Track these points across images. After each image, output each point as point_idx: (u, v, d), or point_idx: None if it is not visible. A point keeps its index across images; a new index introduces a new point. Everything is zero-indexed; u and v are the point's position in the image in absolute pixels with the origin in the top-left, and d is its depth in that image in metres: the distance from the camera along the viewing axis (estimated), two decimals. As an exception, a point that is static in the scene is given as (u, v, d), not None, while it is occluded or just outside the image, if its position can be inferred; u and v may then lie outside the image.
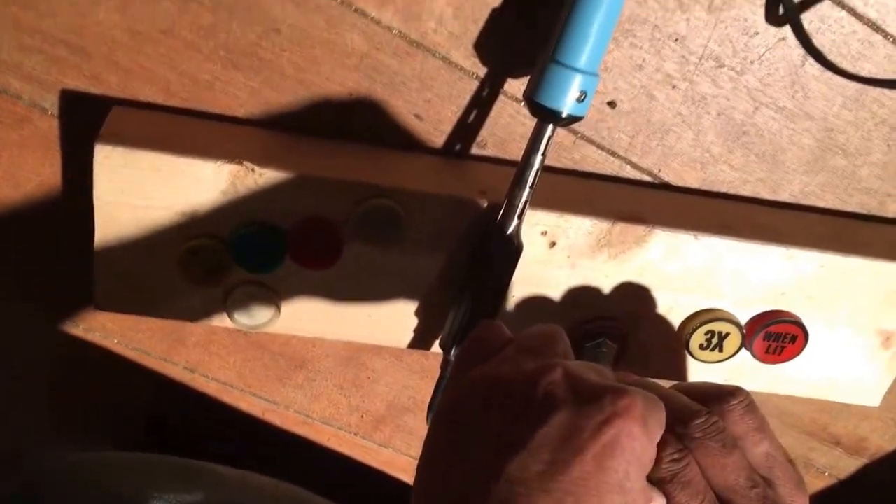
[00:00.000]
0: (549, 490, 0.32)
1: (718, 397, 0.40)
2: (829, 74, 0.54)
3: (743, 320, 0.57)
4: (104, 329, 0.62)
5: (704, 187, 0.58)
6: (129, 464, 0.57)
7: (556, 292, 0.56)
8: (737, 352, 0.58)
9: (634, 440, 0.33)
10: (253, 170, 0.50)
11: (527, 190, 0.50)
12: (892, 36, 0.53)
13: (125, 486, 0.54)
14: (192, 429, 0.66)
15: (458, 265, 0.54)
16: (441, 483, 0.35)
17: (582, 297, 0.56)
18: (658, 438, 0.36)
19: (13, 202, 0.56)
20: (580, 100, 0.48)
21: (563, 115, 0.48)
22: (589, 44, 0.47)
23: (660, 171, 0.57)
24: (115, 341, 0.62)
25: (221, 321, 0.55)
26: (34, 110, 0.53)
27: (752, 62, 0.53)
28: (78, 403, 0.67)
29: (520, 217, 0.51)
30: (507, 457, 0.33)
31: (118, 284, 0.53)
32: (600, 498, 0.32)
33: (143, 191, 0.50)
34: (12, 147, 0.54)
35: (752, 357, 0.58)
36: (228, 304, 0.54)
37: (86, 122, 0.52)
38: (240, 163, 0.50)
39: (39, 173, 0.55)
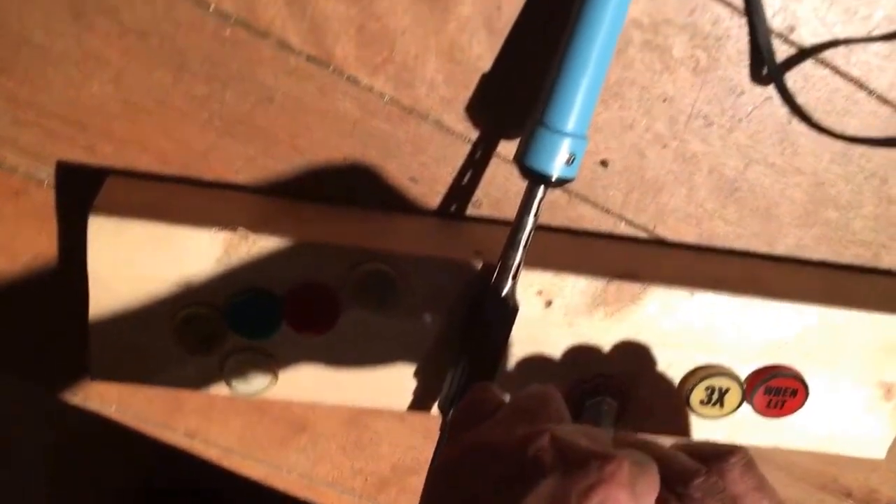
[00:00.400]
0: None
1: (717, 456, 0.39)
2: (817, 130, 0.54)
3: (743, 375, 0.57)
4: (102, 398, 0.62)
5: (700, 242, 0.58)
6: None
7: (554, 351, 0.56)
8: (738, 407, 0.57)
9: None
10: (247, 237, 0.50)
11: (520, 251, 0.50)
12: (875, 92, 0.53)
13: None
14: (194, 495, 0.65)
15: (455, 327, 0.54)
16: None
17: (580, 355, 0.56)
18: (649, 502, 0.36)
19: (9, 274, 0.56)
20: (569, 162, 0.48)
21: (553, 178, 0.48)
22: (576, 107, 0.48)
23: (655, 227, 0.57)
24: (114, 409, 0.62)
25: (219, 389, 0.55)
26: (30, 182, 0.53)
27: (740, 120, 0.54)
28: (78, 472, 0.66)
29: (514, 278, 0.51)
30: None
31: (114, 354, 0.53)
32: None
33: (137, 260, 0.51)
34: (9, 219, 0.54)
35: (753, 412, 0.58)
36: (225, 371, 0.54)
37: (82, 192, 0.52)
38: (234, 230, 0.50)
39: (36, 244, 0.55)
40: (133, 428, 0.62)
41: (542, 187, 0.49)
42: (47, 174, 0.53)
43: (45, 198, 0.54)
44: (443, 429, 0.55)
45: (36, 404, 0.62)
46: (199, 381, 0.55)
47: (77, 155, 0.53)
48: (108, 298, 0.52)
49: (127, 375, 0.55)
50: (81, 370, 0.56)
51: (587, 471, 0.33)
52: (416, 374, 0.56)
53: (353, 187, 0.54)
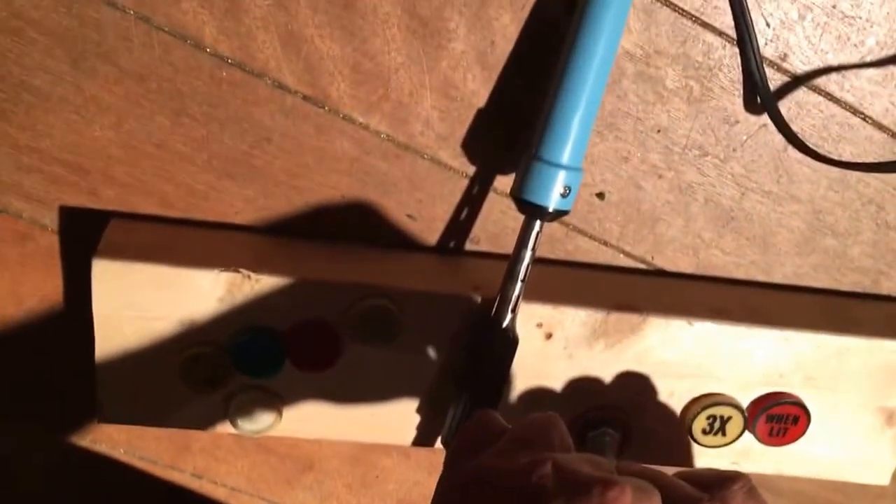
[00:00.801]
0: None
1: (720, 483, 0.39)
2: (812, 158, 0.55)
3: (744, 403, 0.57)
4: (110, 440, 0.62)
5: (698, 272, 0.59)
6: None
7: (555, 384, 0.56)
8: (740, 435, 0.57)
9: None
10: (249, 276, 0.51)
11: (518, 284, 0.51)
12: (870, 118, 0.54)
13: None
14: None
15: (456, 361, 0.54)
16: None
17: (581, 387, 0.56)
18: None
19: (16, 320, 0.57)
20: (565, 195, 0.49)
21: (549, 211, 0.49)
22: (570, 139, 0.48)
23: (653, 258, 0.58)
24: (122, 451, 0.62)
25: (225, 428, 0.55)
26: (34, 227, 0.54)
27: (734, 149, 0.54)
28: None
29: (514, 311, 0.51)
30: None
31: (120, 396, 0.54)
32: None
33: (141, 302, 0.51)
34: (14, 265, 0.55)
35: (755, 440, 0.58)
36: (230, 410, 0.55)
37: (86, 236, 0.53)
38: (236, 270, 0.51)
39: (41, 289, 0.56)
40: (141, 469, 0.62)
41: (538, 220, 0.50)
42: (51, 219, 0.54)
43: (50, 242, 0.54)
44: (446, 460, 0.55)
45: (46, 446, 0.62)
46: (206, 420, 0.55)
47: (80, 200, 0.53)
48: (113, 340, 0.52)
49: (134, 417, 0.55)
50: (89, 413, 0.57)
51: (590, 496, 0.34)
52: (419, 409, 0.56)
53: (351, 225, 0.55)
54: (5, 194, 0.53)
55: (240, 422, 0.55)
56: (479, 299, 0.53)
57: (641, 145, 0.54)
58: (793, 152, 0.55)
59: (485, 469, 0.37)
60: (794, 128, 0.54)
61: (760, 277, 0.59)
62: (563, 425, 0.40)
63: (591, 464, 0.37)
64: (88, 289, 0.51)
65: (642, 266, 0.58)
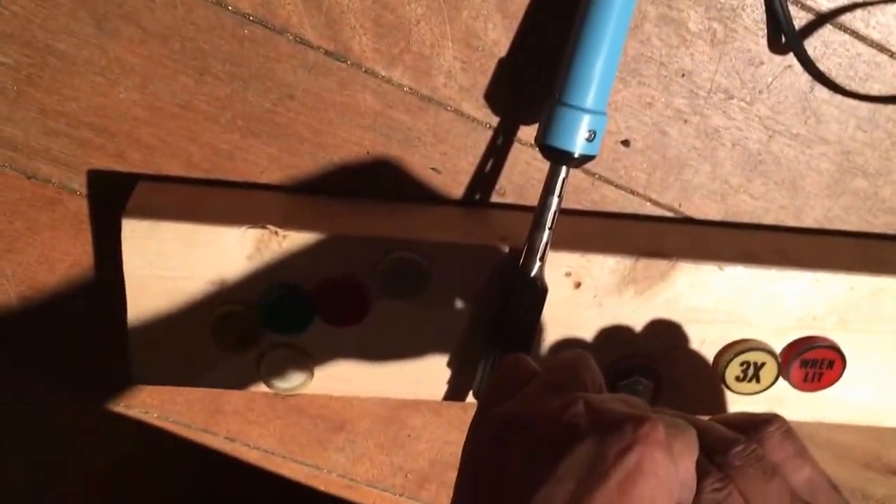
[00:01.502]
0: None
1: (755, 425, 0.39)
2: (839, 98, 0.54)
3: (777, 349, 0.57)
4: (143, 404, 0.62)
5: (727, 219, 0.58)
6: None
7: (585, 333, 0.56)
8: (774, 382, 0.57)
9: (658, 465, 0.33)
10: (276, 233, 0.51)
11: (546, 232, 0.50)
12: (897, 53, 0.53)
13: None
14: (236, 498, 0.66)
15: (485, 312, 0.54)
16: None
17: (612, 336, 0.56)
18: (687, 463, 0.36)
19: (48, 285, 0.57)
20: (590, 139, 0.49)
21: (575, 156, 0.49)
22: (594, 82, 0.48)
23: (680, 205, 0.57)
24: (155, 415, 0.63)
25: (256, 386, 0.56)
26: (63, 192, 0.54)
27: (760, 91, 0.54)
28: (119, 480, 0.67)
29: (542, 259, 0.51)
30: (533, 491, 0.33)
31: (153, 356, 0.54)
32: None
33: (171, 262, 0.52)
34: (44, 230, 0.55)
35: (790, 386, 0.57)
36: (262, 368, 0.55)
37: (114, 199, 0.53)
38: (263, 227, 0.51)
39: (72, 253, 0.56)
40: (175, 433, 0.63)
41: (564, 167, 0.50)
42: (79, 183, 0.54)
43: (79, 206, 0.55)
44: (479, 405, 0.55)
45: (80, 412, 0.63)
46: (238, 380, 0.56)
47: (107, 163, 0.54)
48: (144, 301, 0.53)
49: (167, 377, 0.56)
50: (122, 377, 0.57)
51: (623, 432, 0.33)
52: (450, 362, 0.56)
53: (376, 180, 0.55)
54: (34, 159, 0.53)
55: (271, 380, 0.55)
56: (506, 249, 0.53)
57: (665, 90, 0.54)
58: (819, 92, 0.54)
59: (516, 413, 0.37)
60: (821, 67, 0.53)
61: (790, 222, 0.58)
62: (593, 363, 0.40)
63: (623, 402, 0.36)
64: (118, 252, 0.51)
65: (670, 214, 0.58)
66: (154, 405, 0.62)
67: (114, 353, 0.58)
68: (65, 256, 0.56)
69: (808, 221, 0.58)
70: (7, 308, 0.58)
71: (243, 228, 0.51)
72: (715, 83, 0.54)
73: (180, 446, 0.63)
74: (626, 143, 0.55)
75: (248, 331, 0.53)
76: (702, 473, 0.37)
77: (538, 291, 0.52)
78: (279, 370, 0.55)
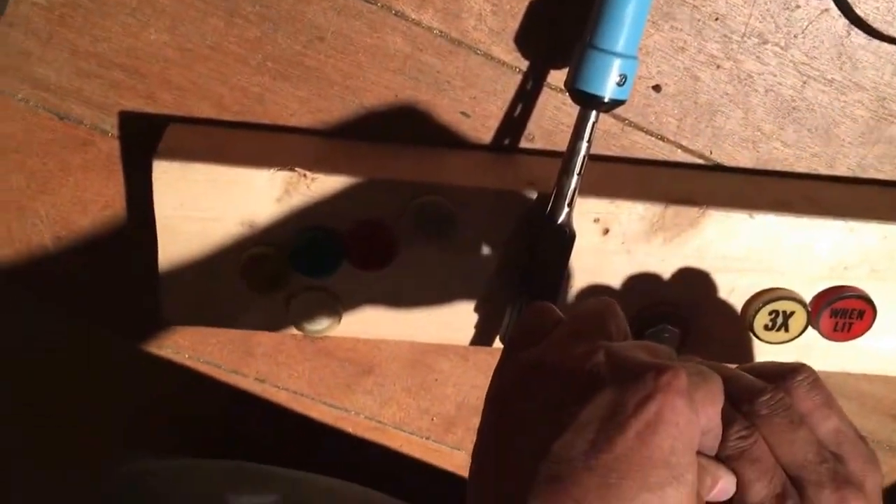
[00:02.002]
0: (593, 467, 0.32)
1: (783, 374, 0.39)
2: (876, 43, 0.53)
3: (807, 298, 0.56)
4: (175, 345, 0.63)
5: (758, 166, 0.57)
6: (204, 470, 0.58)
7: (613, 280, 0.56)
8: (803, 331, 0.57)
9: (678, 414, 0.33)
10: (305, 175, 0.51)
11: (574, 177, 0.50)
12: (938, -4, 0.52)
13: (201, 491, 0.56)
14: (265, 438, 0.67)
15: (513, 258, 0.54)
16: (493, 466, 0.36)
17: (640, 283, 0.56)
18: (710, 412, 0.36)
19: (81, 226, 0.58)
20: (620, 83, 0.48)
21: (605, 100, 0.48)
22: (625, 26, 0.47)
23: (711, 152, 0.57)
24: (187, 356, 0.64)
25: (285, 328, 0.56)
26: (95, 133, 0.55)
27: (795, 36, 0.53)
28: (152, 418, 0.69)
29: (570, 205, 0.51)
30: (554, 437, 0.33)
31: (184, 297, 0.55)
32: (644, 473, 0.32)
33: (201, 203, 0.52)
34: (77, 171, 0.56)
35: (819, 336, 0.57)
36: (291, 310, 0.56)
37: (145, 141, 0.54)
38: (292, 170, 0.51)
39: (104, 194, 0.57)
40: (206, 374, 0.64)
41: (594, 111, 0.49)
42: (111, 125, 0.55)
43: (111, 148, 0.55)
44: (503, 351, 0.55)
45: (112, 351, 0.64)
46: (267, 321, 0.56)
47: (138, 104, 0.54)
48: (175, 242, 0.53)
49: (197, 318, 0.57)
50: (154, 318, 0.58)
51: (644, 381, 0.33)
52: (477, 307, 0.56)
53: (405, 124, 0.55)
54: (66, 100, 0.54)
55: (300, 322, 0.56)
56: (534, 195, 0.53)
57: (698, 34, 0.53)
58: (856, 37, 0.53)
59: (539, 359, 0.37)
60: (858, 12, 0.52)
61: (823, 170, 0.58)
62: (619, 311, 0.40)
63: (647, 350, 0.36)
64: (150, 193, 0.52)
65: (700, 161, 0.57)
66: (185, 346, 0.63)
67: (145, 294, 0.58)
68: (97, 197, 0.57)
69: (842, 170, 0.58)
70: (41, 248, 0.59)
71: (272, 171, 0.51)
72: (749, 27, 0.53)
73: (211, 386, 0.64)
74: (657, 88, 0.55)
75: (278, 273, 0.54)
76: (727, 421, 0.37)
77: (566, 237, 0.52)
78: (307, 312, 0.55)
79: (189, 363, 0.64)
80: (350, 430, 0.67)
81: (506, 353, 0.40)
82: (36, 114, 0.54)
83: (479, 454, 0.37)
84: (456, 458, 0.69)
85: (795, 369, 0.39)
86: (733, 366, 0.41)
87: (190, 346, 0.63)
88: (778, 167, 0.57)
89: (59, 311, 0.63)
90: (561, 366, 0.36)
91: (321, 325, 0.56)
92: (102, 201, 0.57)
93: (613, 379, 0.34)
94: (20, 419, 0.69)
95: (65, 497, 0.57)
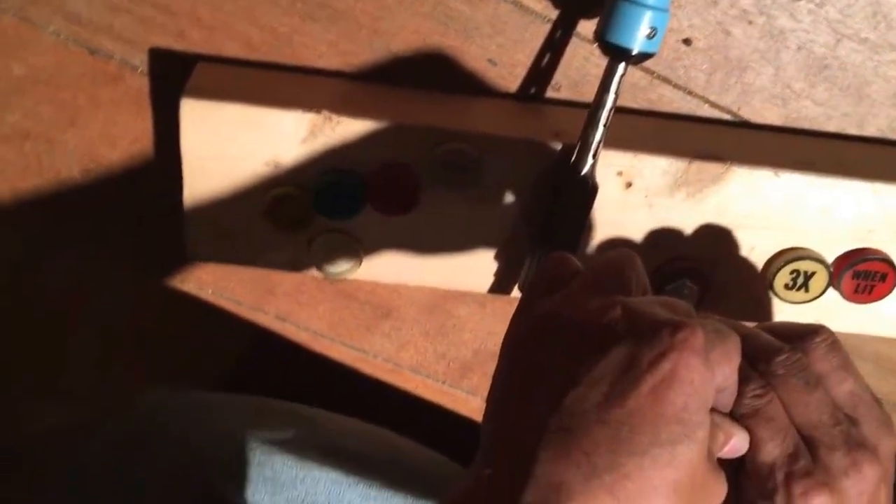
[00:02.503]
0: (605, 421, 0.32)
1: (801, 335, 0.39)
2: (915, 1, 0.52)
3: (830, 259, 0.56)
4: (198, 280, 0.65)
5: (787, 124, 0.57)
6: (222, 404, 0.59)
7: (633, 234, 0.56)
8: (824, 291, 0.56)
9: (693, 372, 0.33)
10: (330, 118, 0.52)
11: (600, 130, 0.50)
12: (980, -44, 0.51)
13: (217, 424, 0.57)
14: (283, 376, 0.68)
15: (535, 208, 0.54)
16: (505, 414, 0.36)
17: (661, 238, 0.56)
18: (726, 370, 0.36)
19: (109, 160, 0.59)
20: (650, 36, 0.48)
21: (634, 53, 0.48)
22: (658, -23, 0.47)
23: (739, 109, 0.56)
24: (210, 292, 0.65)
25: (306, 269, 0.57)
26: (125, 68, 0.55)
27: (831, -8, 0.52)
28: (173, 352, 0.70)
29: (594, 157, 0.51)
30: (567, 390, 0.33)
31: (208, 234, 0.56)
32: (656, 428, 0.32)
33: (228, 142, 0.52)
34: (107, 105, 0.57)
35: (840, 297, 0.57)
36: (312, 251, 0.56)
37: (174, 78, 0.54)
38: (318, 112, 0.52)
39: (132, 130, 0.58)
40: (227, 310, 0.65)
41: (622, 64, 0.49)
42: (141, 61, 0.55)
43: (140, 84, 0.56)
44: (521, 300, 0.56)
45: (136, 285, 0.65)
46: (289, 261, 0.57)
47: (168, 41, 0.54)
48: (200, 180, 0.54)
49: (220, 256, 0.57)
50: (178, 253, 0.59)
51: (660, 337, 0.33)
52: (497, 256, 0.57)
53: (432, 70, 0.55)
54: (97, 35, 0.54)
55: (321, 263, 0.56)
56: (559, 146, 0.53)
57: (732, -12, 0.52)
58: (894, -4, 0.52)
59: (556, 311, 0.37)
60: (898, -31, 0.51)
61: (853, 130, 0.57)
62: (639, 263, 0.40)
63: (665, 306, 0.36)
64: (177, 130, 0.52)
65: (728, 117, 0.57)
66: (208, 282, 0.64)
67: (170, 230, 0.59)
68: (126, 133, 0.58)
69: (871, 130, 0.57)
70: (70, 180, 0.60)
71: (299, 112, 0.52)
72: (785, -18, 0.52)
73: (232, 323, 0.65)
74: (687, 41, 0.54)
75: (301, 214, 0.54)
76: (743, 379, 0.37)
77: (588, 189, 0.52)
78: (329, 254, 0.56)
79: (211, 299, 0.65)
80: (367, 371, 0.68)
81: (523, 302, 0.40)
82: (67, 48, 0.55)
83: (493, 401, 0.38)
84: (471, 403, 0.70)
85: (814, 331, 0.39)
86: (752, 324, 0.41)
87: (212, 283, 0.64)
88: (806, 126, 0.57)
89: (83, 243, 0.64)
90: (578, 318, 0.36)
91: (342, 267, 0.56)
92: (131, 136, 0.58)
93: (630, 334, 0.34)
94: (41, 352, 0.71)
95: (85, 428, 0.59)
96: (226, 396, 0.61)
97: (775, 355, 0.38)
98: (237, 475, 0.54)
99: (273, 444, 0.56)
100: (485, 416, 0.38)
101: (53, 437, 0.67)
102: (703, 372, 0.34)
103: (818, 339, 0.39)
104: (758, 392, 0.37)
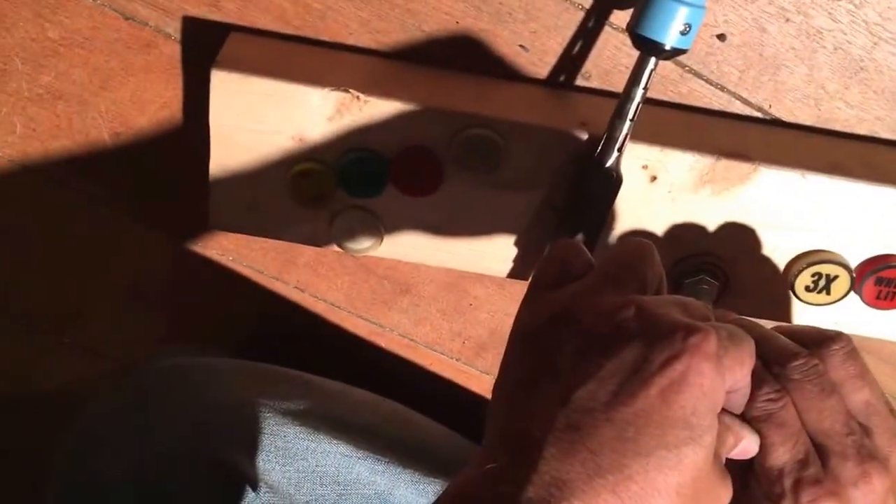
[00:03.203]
0: (612, 419, 0.32)
1: (819, 341, 0.39)
2: (958, 8, 0.51)
3: (853, 263, 0.56)
4: (221, 247, 0.65)
5: (818, 125, 0.56)
6: (234, 370, 0.60)
7: (655, 227, 0.55)
8: (845, 295, 0.56)
9: (703, 377, 0.33)
10: (358, 97, 0.52)
11: (627, 123, 0.50)
12: None
13: (231, 390, 0.58)
14: (299, 345, 0.69)
15: (558, 196, 0.54)
16: (513, 404, 0.36)
17: (682, 233, 0.55)
18: (738, 374, 0.36)
19: (139, 125, 0.59)
20: (684, 32, 0.47)
21: (666, 48, 0.47)
22: (695, -27, 0.46)
23: (770, 106, 0.56)
24: (231, 259, 0.66)
25: (327, 244, 0.58)
26: (159, 36, 0.56)
27: (873, -6, 0.51)
28: (192, 314, 0.71)
29: (620, 150, 0.51)
30: (576, 386, 0.33)
31: (232, 204, 0.56)
32: (663, 430, 0.32)
33: (255, 115, 0.53)
34: (139, 71, 0.57)
35: (861, 301, 0.57)
36: (334, 227, 0.57)
37: (206, 47, 0.54)
38: (346, 91, 0.52)
39: (163, 96, 0.58)
40: (247, 277, 0.66)
41: (653, 58, 0.49)
42: (174, 29, 0.55)
43: (173, 52, 0.56)
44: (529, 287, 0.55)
45: (161, 248, 0.66)
46: (310, 235, 0.58)
47: (202, 10, 0.55)
48: (227, 150, 0.54)
49: (243, 226, 0.58)
50: (202, 220, 0.60)
51: (672, 340, 0.33)
52: (517, 241, 0.57)
53: (463, 52, 0.55)
54: (132, 1, 0.54)
55: (342, 240, 0.57)
56: (585, 136, 0.53)
57: (771, -15, 0.51)
58: (937, 1, 0.51)
59: (569, 306, 0.37)
60: (943, -26, 0.50)
61: (885, 134, 0.56)
62: (656, 256, 0.39)
63: (680, 307, 0.36)
64: (207, 99, 0.52)
65: (758, 115, 0.56)
66: (230, 249, 0.65)
67: (195, 197, 0.60)
68: (156, 99, 0.58)
69: (904, 136, 0.56)
70: (99, 143, 0.60)
71: (327, 90, 0.52)
72: (825, -18, 0.51)
73: (252, 290, 0.66)
74: (721, 37, 0.53)
75: (324, 190, 0.55)
76: (758, 382, 0.37)
77: (612, 181, 0.52)
78: (350, 231, 0.56)
79: (232, 265, 0.66)
80: (383, 345, 0.69)
81: (532, 290, 0.40)
82: (102, 12, 0.55)
83: (500, 391, 0.38)
84: (484, 381, 0.71)
85: (833, 337, 0.39)
86: (771, 324, 0.41)
87: (234, 250, 0.65)
88: (838, 127, 0.56)
89: (110, 203, 0.64)
90: (591, 314, 0.36)
91: (362, 244, 0.57)
92: (160, 102, 0.58)
93: (642, 334, 0.34)
94: (63, 306, 0.72)
95: (103, 388, 0.60)
96: (239, 363, 0.61)
97: (792, 360, 0.38)
98: (248, 443, 0.55)
99: (286, 414, 0.57)
100: (490, 404, 0.38)
101: (70, 391, 0.68)
102: (714, 377, 0.34)
103: (836, 347, 0.39)
104: (771, 396, 0.37)
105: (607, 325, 0.35)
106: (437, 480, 0.59)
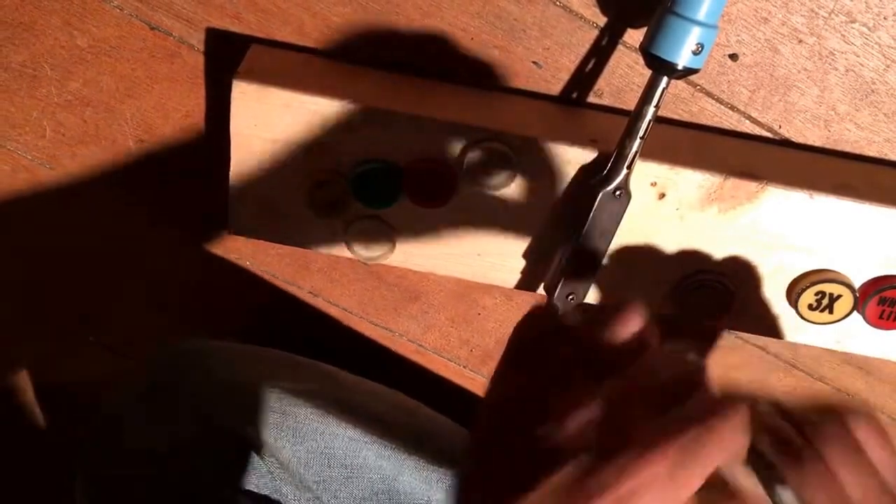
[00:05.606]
0: None
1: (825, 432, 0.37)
2: (968, 34, 0.52)
3: (857, 283, 0.56)
4: (238, 252, 0.67)
5: (827, 146, 0.57)
6: (247, 353, 0.62)
7: (662, 244, 0.56)
8: (848, 315, 0.57)
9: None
10: (375, 110, 0.53)
11: (637, 141, 0.51)
12: None
13: (243, 371, 0.60)
14: (312, 347, 0.70)
15: (566, 211, 0.55)
16: (487, 442, 0.35)
17: (688, 250, 0.56)
18: (700, 479, 0.32)
19: (162, 132, 0.61)
20: (696, 52, 0.48)
21: (678, 68, 0.48)
22: (707, -5, 0.47)
23: (780, 127, 0.56)
24: (248, 263, 0.67)
25: (341, 251, 0.59)
26: (183, 46, 0.57)
27: (885, 18, 0.52)
28: (211, 317, 0.73)
29: (629, 167, 0.52)
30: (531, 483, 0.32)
31: (250, 211, 0.58)
32: None
33: (274, 125, 0.54)
34: (163, 80, 0.59)
35: (863, 321, 0.57)
36: (348, 235, 0.58)
37: (228, 58, 0.56)
38: (362, 103, 0.53)
39: (186, 105, 0.59)
40: (264, 280, 0.67)
41: (665, 77, 0.49)
42: (198, 40, 0.57)
43: (196, 62, 0.58)
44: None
45: (181, 251, 0.68)
46: (325, 242, 0.59)
47: (225, 23, 0.56)
48: (247, 159, 0.56)
49: (261, 232, 0.59)
50: (221, 225, 0.61)
51: (621, 459, 0.31)
52: (526, 253, 0.58)
53: (477, 68, 0.56)
54: (158, 12, 0.56)
55: (356, 247, 0.58)
56: (595, 153, 0.54)
57: (784, 6, 0.52)
58: (947, 27, 0.52)
59: (533, 393, 0.35)
60: (953, 1, 0.51)
61: (894, 157, 0.57)
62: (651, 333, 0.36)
63: (672, 366, 0.33)
64: (228, 108, 0.54)
65: (768, 134, 0.57)
66: (247, 254, 0.67)
67: (215, 203, 0.61)
68: (179, 107, 0.60)
69: (913, 159, 0.57)
70: (124, 148, 0.62)
71: (344, 102, 0.53)
72: (838, 4, 0.52)
73: (267, 293, 0.68)
74: (733, 56, 0.54)
75: (339, 199, 0.56)
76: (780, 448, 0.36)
77: (621, 199, 0.53)
78: (364, 240, 0.58)
79: (249, 268, 0.67)
80: (393, 349, 0.70)
81: (507, 351, 0.39)
82: (129, 22, 0.56)
83: (485, 415, 0.36)
84: (492, 388, 0.72)
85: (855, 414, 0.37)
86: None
87: (251, 255, 0.67)
88: (847, 149, 0.57)
89: (137, 210, 0.66)
90: (552, 412, 0.33)
91: (375, 252, 0.58)
92: (184, 111, 0.60)
93: (599, 448, 0.32)
94: (87, 307, 0.74)
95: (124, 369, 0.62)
96: (252, 347, 0.63)
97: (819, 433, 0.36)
98: (261, 421, 0.57)
99: (298, 394, 0.58)
100: (475, 425, 0.36)
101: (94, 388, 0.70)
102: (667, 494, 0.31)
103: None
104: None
105: (567, 440, 0.32)
106: (441, 468, 0.60)
